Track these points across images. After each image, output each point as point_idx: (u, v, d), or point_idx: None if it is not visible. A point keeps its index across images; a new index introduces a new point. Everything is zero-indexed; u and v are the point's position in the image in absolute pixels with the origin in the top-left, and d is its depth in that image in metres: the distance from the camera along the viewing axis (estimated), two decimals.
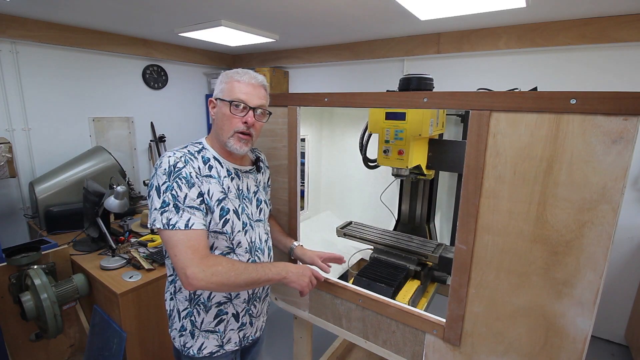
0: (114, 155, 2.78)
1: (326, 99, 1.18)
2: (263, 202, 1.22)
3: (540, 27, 2.42)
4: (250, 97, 1.05)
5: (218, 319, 1.12)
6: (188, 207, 0.96)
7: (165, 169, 0.96)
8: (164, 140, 3.76)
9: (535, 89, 1.44)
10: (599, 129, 0.75)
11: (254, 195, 1.18)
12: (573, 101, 0.76)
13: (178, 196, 0.95)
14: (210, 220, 1.02)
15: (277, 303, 1.55)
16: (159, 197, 0.95)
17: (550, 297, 0.87)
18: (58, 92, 2.93)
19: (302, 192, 1.97)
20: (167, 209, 0.94)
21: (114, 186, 1.99)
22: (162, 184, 0.95)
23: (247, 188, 1.15)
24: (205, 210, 1.00)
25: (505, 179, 0.88)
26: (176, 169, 0.96)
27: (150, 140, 3.70)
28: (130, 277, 1.79)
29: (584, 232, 0.80)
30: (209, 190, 1.01)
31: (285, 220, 1.42)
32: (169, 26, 2.79)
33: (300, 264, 1.29)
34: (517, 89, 1.48)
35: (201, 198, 0.99)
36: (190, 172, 0.98)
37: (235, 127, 1.04)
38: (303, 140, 1.92)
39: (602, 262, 0.79)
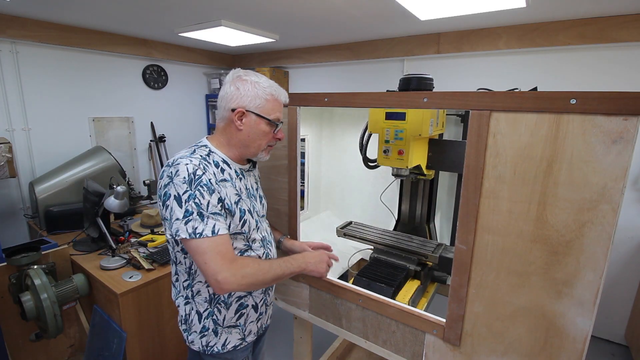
0: (114, 155, 2.78)
1: (326, 99, 1.18)
2: (263, 198, 1.26)
3: (540, 27, 2.42)
4: (282, 115, 1.13)
5: (239, 313, 1.15)
6: (212, 213, 0.96)
7: (184, 178, 0.94)
8: (164, 140, 3.77)
9: (535, 89, 1.44)
10: (599, 129, 0.75)
11: (257, 192, 1.21)
12: (573, 101, 0.76)
13: (201, 204, 0.95)
14: (230, 223, 1.04)
15: (277, 303, 1.55)
16: (181, 207, 0.94)
17: (550, 297, 0.87)
18: (58, 92, 2.93)
19: (302, 192, 1.97)
20: (190, 217, 0.93)
21: (114, 186, 1.99)
22: (184, 193, 0.94)
23: (251, 186, 1.18)
24: (225, 215, 1.01)
25: (505, 179, 0.88)
26: (196, 177, 0.95)
27: (150, 140, 3.70)
28: (130, 277, 1.79)
29: (584, 232, 0.80)
30: (227, 194, 1.02)
31: (285, 220, 1.42)
32: (169, 26, 2.79)
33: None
34: (517, 89, 1.48)
35: (221, 204, 1.00)
36: (210, 179, 0.98)
37: (270, 141, 1.11)
38: (303, 140, 1.92)
39: (602, 262, 0.79)
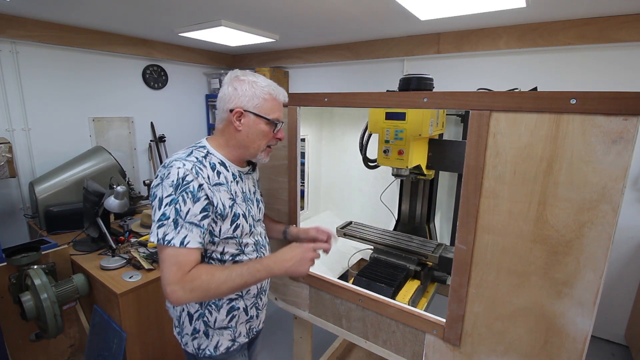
0: (114, 155, 2.78)
1: (326, 99, 1.18)
2: (261, 202, 1.23)
3: (540, 27, 2.42)
4: (283, 115, 1.11)
5: (230, 315, 1.13)
6: (188, 222, 0.93)
7: (173, 181, 0.93)
8: (164, 140, 3.77)
9: (535, 89, 1.44)
10: (599, 129, 0.75)
11: (254, 196, 1.19)
12: (573, 101, 0.76)
13: (181, 210, 0.92)
14: (221, 228, 1.02)
15: (277, 303, 1.55)
16: (160, 209, 0.93)
17: (550, 297, 0.87)
18: (58, 92, 2.93)
19: (302, 192, 1.97)
20: (165, 222, 0.92)
21: (114, 186, 1.99)
22: (167, 197, 0.92)
23: (249, 189, 1.16)
24: (205, 227, 0.97)
25: (505, 179, 0.88)
26: (184, 182, 0.93)
27: (150, 140, 3.70)
28: (130, 277, 1.79)
29: (584, 232, 0.80)
30: (220, 199, 1.00)
31: (285, 220, 1.42)
32: (169, 26, 2.79)
33: (296, 243, 1.14)
34: (517, 89, 1.48)
35: (205, 213, 0.96)
36: (201, 184, 0.95)
37: (269, 142, 1.09)
38: (303, 140, 1.92)
39: (602, 262, 0.79)
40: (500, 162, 0.88)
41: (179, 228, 0.92)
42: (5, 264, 1.83)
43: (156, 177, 0.97)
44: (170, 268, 0.92)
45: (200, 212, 0.95)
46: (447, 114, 1.73)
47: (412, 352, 1.16)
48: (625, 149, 0.73)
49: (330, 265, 1.80)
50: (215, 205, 0.98)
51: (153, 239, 0.93)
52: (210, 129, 4.26)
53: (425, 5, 1.92)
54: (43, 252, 1.94)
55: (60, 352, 2.12)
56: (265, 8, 2.22)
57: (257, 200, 1.20)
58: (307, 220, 2.03)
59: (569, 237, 0.82)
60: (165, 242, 0.91)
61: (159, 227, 0.92)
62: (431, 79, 1.37)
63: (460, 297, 0.99)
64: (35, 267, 1.82)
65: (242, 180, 1.12)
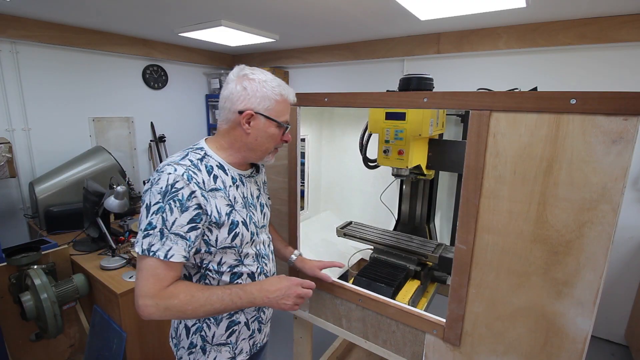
0: (114, 155, 2.78)
1: (326, 99, 1.18)
2: (265, 206, 1.17)
3: (540, 27, 2.42)
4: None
5: (230, 330, 1.06)
6: (173, 234, 0.87)
7: (162, 188, 0.87)
8: (164, 140, 3.77)
9: (535, 89, 1.44)
10: (599, 129, 0.75)
11: (258, 200, 1.12)
12: (573, 101, 0.76)
13: (167, 220, 0.87)
14: (217, 237, 0.96)
15: None
16: (147, 218, 0.88)
17: (550, 297, 0.87)
18: (58, 92, 2.93)
19: (302, 192, 1.97)
20: (151, 232, 0.87)
21: (114, 186, 1.99)
22: (154, 204, 0.87)
23: (251, 194, 1.09)
24: (192, 239, 0.91)
25: (505, 179, 0.88)
26: (173, 190, 0.87)
27: (150, 140, 3.70)
28: (130, 277, 1.79)
29: (584, 232, 0.80)
30: (216, 206, 0.94)
31: (285, 220, 1.42)
32: (169, 26, 2.79)
33: (284, 277, 1.07)
34: (517, 89, 1.48)
35: (193, 224, 0.90)
36: (190, 193, 0.88)
37: (276, 144, 1.05)
38: (303, 140, 1.92)
39: (602, 262, 0.79)
40: (500, 162, 0.88)
41: (164, 239, 0.87)
42: (5, 264, 1.83)
43: (148, 181, 0.92)
44: (147, 279, 0.87)
45: (188, 223, 0.89)
46: (447, 114, 1.73)
47: (412, 352, 1.16)
48: (625, 149, 0.73)
49: None
50: (209, 213, 0.92)
51: (138, 249, 0.88)
52: (211, 129, 4.26)
53: (425, 5, 1.92)
54: (43, 252, 1.94)
55: (60, 352, 2.12)
56: (265, 8, 2.22)
57: (261, 205, 1.13)
58: (307, 220, 2.03)
59: (569, 237, 0.82)
60: (150, 253, 0.86)
61: (144, 236, 0.87)
62: (431, 79, 1.37)
63: (460, 297, 0.99)
64: (35, 267, 1.82)
65: (244, 184, 1.06)
